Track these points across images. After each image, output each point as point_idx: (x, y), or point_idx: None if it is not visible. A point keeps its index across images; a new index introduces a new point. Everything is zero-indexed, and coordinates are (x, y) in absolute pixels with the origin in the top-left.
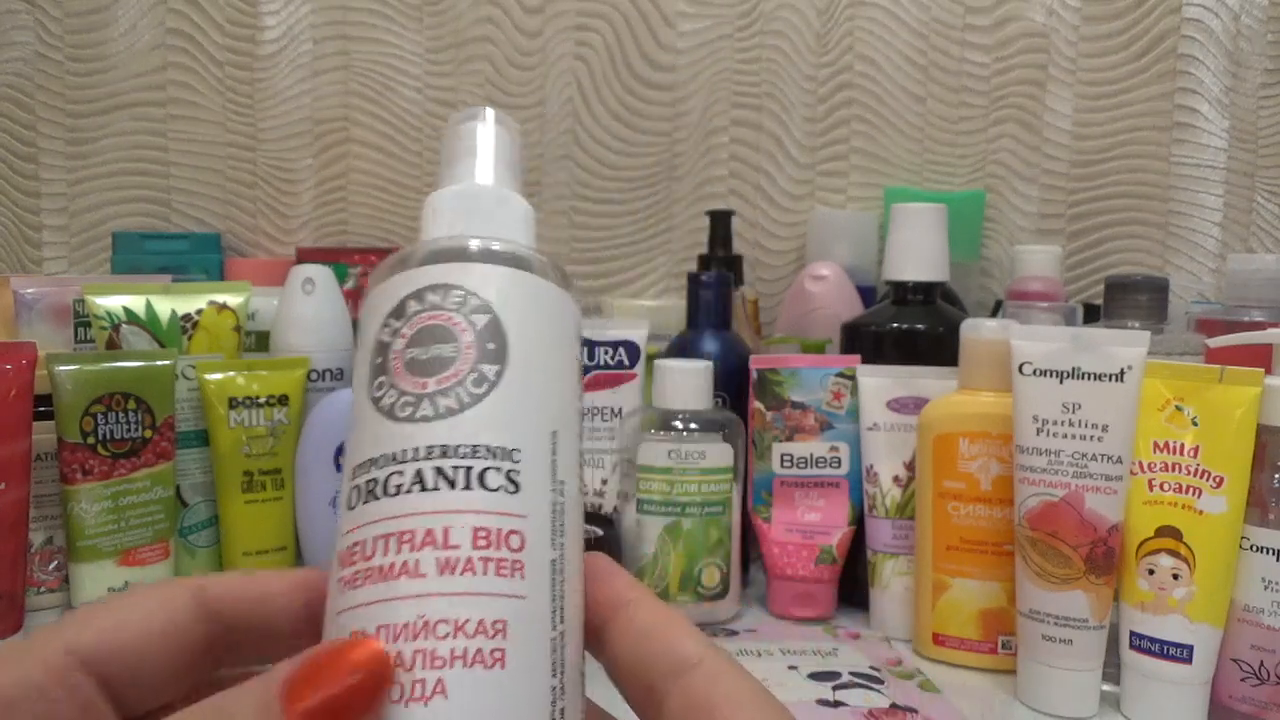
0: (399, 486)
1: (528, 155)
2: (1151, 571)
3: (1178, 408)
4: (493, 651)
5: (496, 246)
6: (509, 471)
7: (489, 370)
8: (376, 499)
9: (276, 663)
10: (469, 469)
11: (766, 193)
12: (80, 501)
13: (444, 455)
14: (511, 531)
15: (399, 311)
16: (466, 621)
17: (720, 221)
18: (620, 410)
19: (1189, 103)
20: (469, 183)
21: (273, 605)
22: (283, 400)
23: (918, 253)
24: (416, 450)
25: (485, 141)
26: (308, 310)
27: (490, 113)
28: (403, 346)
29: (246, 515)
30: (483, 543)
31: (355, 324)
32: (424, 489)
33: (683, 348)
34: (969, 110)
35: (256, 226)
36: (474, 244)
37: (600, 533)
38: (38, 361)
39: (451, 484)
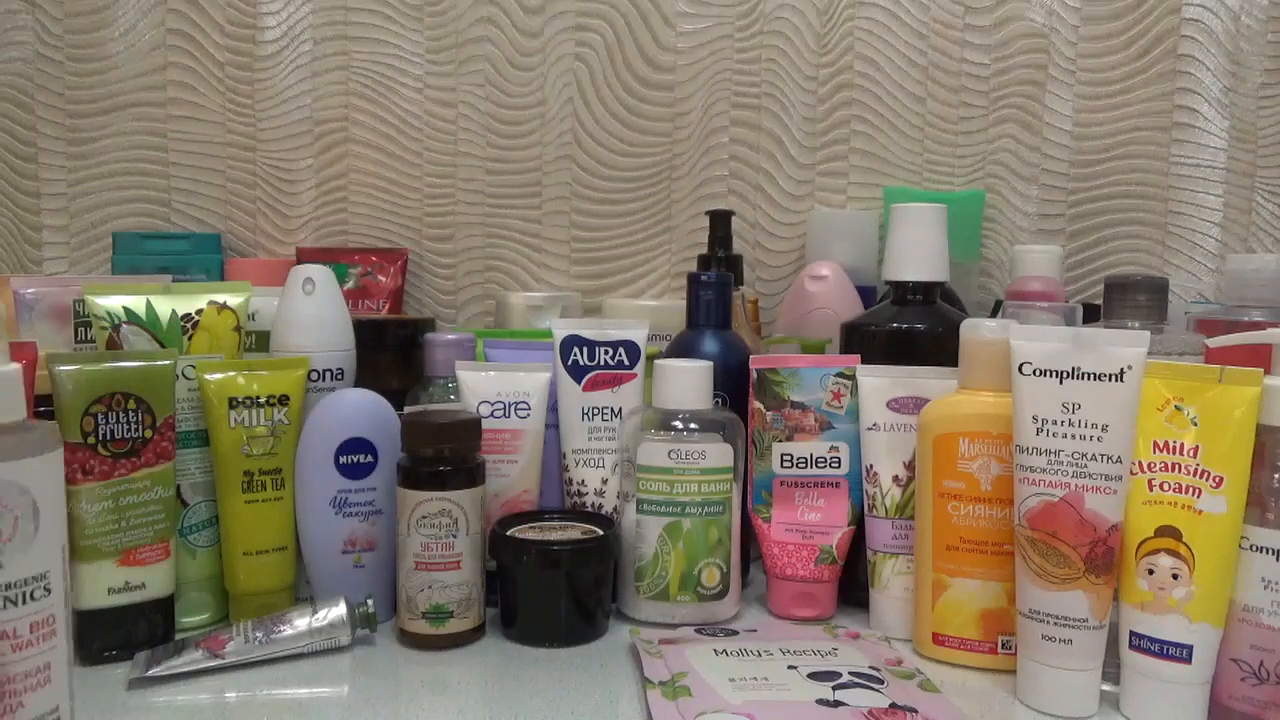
0: None
1: (528, 155)
2: (1151, 571)
3: (1177, 408)
4: (48, 672)
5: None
6: (45, 585)
7: (30, 528)
8: None
9: None
10: (25, 593)
11: (766, 193)
12: (80, 501)
13: (9, 589)
14: (49, 616)
15: None
16: (36, 669)
17: (720, 221)
18: (620, 410)
19: (1189, 103)
20: None
21: None
22: (283, 400)
23: (918, 253)
24: None
25: None
26: (308, 310)
27: None
28: None
29: (247, 515)
30: (35, 628)
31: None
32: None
33: (683, 348)
34: (969, 110)
35: (256, 226)
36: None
37: (601, 533)
38: (38, 361)
39: (15, 603)
